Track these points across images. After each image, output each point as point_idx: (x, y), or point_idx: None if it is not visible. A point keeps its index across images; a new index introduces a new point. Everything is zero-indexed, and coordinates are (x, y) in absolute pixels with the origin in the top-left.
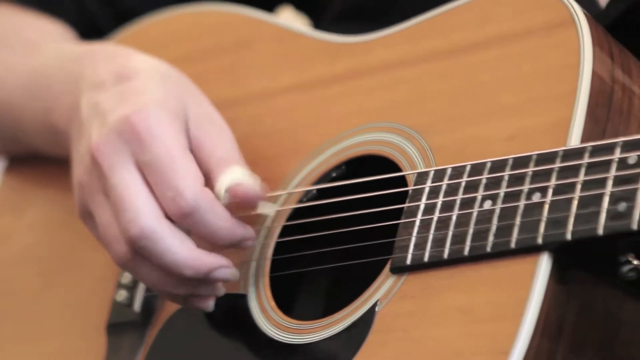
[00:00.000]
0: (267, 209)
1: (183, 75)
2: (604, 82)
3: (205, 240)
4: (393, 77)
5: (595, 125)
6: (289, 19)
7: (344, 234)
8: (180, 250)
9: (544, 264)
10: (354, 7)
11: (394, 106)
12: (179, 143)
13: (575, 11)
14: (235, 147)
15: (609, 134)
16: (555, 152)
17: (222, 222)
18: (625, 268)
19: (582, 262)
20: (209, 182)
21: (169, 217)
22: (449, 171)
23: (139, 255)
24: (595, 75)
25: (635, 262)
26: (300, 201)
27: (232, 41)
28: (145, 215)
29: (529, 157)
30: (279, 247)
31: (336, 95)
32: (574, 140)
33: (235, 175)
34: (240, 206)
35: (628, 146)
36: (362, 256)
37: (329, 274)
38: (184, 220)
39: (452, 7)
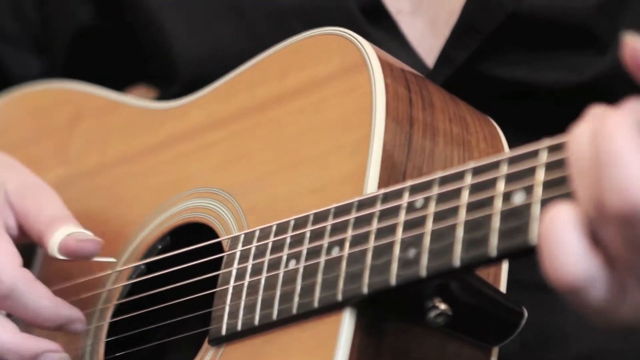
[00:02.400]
0: (105, 259)
1: (1, 153)
2: (400, 123)
3: (29, 323)
4: (206, 140)
5: (393, 169)
6: (141, 94)
7: (178, 306)
8: (0, 335)
9: (346, 321)
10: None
11: (208, 170)
12: None
13: (366, 53)
14: (64, 208)
15: (411, 176)
16: (351, 203)
17: (43, 301)
18: (432, 314)
19: (391, 312)
20: (42, 245)
21: None
22: (257, 233)
23: None
24: (389, 117)
25: (442, 306)
26: (130, 277)
27: (65, 118)
28: None
29: (328, 211)
30: (115, 328)
31: (158, 164)
32: (370, 187)
33: (67, 231)
34: (77, 258)
35: (415, 189)
36: (195, 328)
37: (182, 347)
38: (2, 304)
39: (258, 60)
